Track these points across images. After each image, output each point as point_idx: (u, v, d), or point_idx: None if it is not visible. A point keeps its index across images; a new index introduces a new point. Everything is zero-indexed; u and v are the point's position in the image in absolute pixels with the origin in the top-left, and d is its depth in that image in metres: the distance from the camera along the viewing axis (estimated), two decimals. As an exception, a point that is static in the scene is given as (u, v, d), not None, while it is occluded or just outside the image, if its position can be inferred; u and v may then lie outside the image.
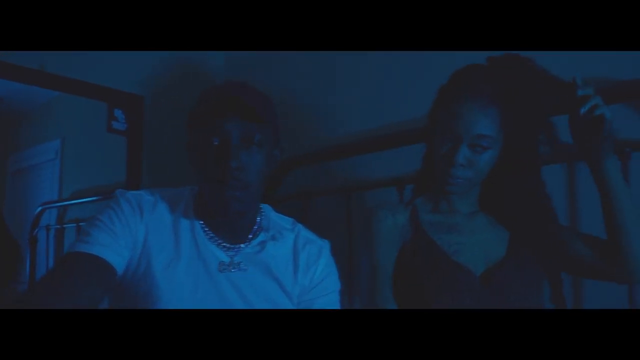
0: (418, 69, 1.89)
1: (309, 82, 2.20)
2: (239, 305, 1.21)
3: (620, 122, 1.49)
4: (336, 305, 1.33)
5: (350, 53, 2.01)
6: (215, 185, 1.17)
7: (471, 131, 1.27)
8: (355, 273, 1.43)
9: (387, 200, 1.47)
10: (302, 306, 1.30)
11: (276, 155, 1.28)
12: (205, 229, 1.25)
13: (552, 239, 1.34)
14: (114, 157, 2.27)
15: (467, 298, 1.25)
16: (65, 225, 2.25)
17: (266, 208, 1.37)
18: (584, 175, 1.55)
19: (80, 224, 2.17)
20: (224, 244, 1.25)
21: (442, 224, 1.37)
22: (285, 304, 1.27)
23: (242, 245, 1.26)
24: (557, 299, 1.37)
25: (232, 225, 1.26)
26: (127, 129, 2.20)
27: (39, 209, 2.28)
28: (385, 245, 1.36)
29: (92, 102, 2.15)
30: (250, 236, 1.29)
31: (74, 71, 2.07)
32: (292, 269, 1.30)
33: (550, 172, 1.55)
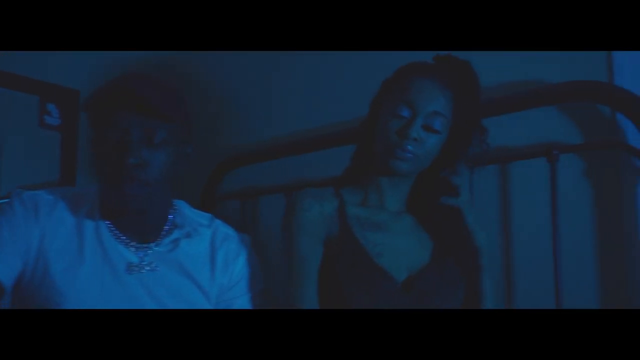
0: (361, 69, 1.88)
1: (250, 80, 2.17)
2: (151, 307, 1.17)
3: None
4: (258, 305, 1.30)
5: (296, 53, 1.98)
6: (113, 184, 1.13)
7: (429, 107, 1.24)
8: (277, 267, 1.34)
9: (313, 187, 1.36)
10: (222, 306, 1.26)
11: (187, 153, 1.24)
12: (112, 229, 1.21)
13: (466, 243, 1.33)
14: (47, 154, 2.19)
15: (387, 304, 1.21)
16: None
17: (180, 204, 1.32)
18: (517, 177, 1.57)
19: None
20: (133, 244, 1.21)
21: (368, 220, 1.32)
22: (201, 303, 1.23)
23: (152, 245, 1.23)
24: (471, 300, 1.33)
25: (139, 224, 1.21)
26: (61, 124, 2.14)
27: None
28: (311, 237, 1.27)
29: (25, 96, 2.08)
30: (162, 234, 1.25)
31: (4, 63, 2.00)
32: (209, 267, 1.26)
33: (484, 173, 1.57)
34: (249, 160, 2.03)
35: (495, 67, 1.61)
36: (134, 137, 1.12)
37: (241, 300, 1.28)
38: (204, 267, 1.25)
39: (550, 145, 1.46)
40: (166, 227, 1.26)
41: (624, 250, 1.42)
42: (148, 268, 1.19)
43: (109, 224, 1.21)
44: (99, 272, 1.16)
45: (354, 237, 1.28)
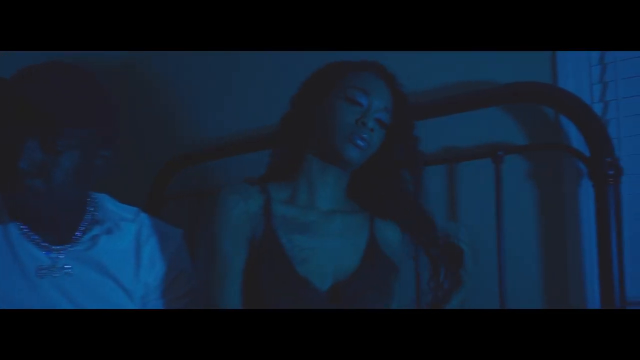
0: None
1: (201, 80, 2.14)
2: (67, 308, 1.13)
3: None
4: (187, 305, 1.25)
5: (246, 53, 1.96)
6: (7, 188, 1.09)
7: (382, 101, 1.24)
8: (199, 268, 1.28)
9: (239, 182, 1.30)
10: (149, 306, 1.22)
11: (104, 156, 1.19)
12: (24, 230, 1.16)
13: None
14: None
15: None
16: None
17: (102, 198, 1.27)
18: (465, 177, 1.58)
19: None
20: (46, 244, 1.17)
21: (295, 220, 1.25)
22: (123, 303, 1.18)
23: (68, 245, 1.18)
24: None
25: (50, 225, 1.17)
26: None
27: None
28: (235, 236, 1.21)
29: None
30: (79, 233, 1.20)
31: None
32: (133, 265, 1.21)
33: (433, 173, 1.58)
34: (198, 159, 2.00)
35: (442, 68, 1.62)
36: (28, 143, 1.08)
37: (166, 300, 1.23)
38: (126, 265, 1.20)
39: (495, 147, 1.48)
40: (83, 225, 1.20)
41: (566, 250, 1.44)
42: (61, 271, 1.15)
43: (20, 224, 1.16)
44: (9, 275, 1.11)
45: (277, 241, 1.22)
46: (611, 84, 1.45)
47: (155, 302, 1.23)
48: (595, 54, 1.47)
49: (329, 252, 1.24)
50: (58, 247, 1.17)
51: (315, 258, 1.22)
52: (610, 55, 1.45)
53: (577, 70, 1.46)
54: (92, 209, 1.23)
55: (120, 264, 1.19)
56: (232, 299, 1.19)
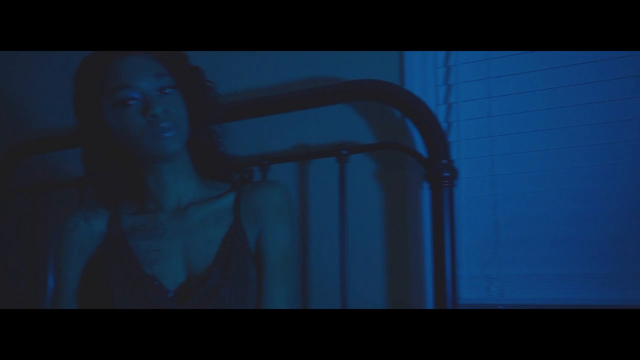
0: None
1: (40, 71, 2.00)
2: None
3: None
4: None
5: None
6: None
7: (150, 80, 1.18)
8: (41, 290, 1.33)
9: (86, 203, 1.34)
10: None
11: None
12: None
13: None
14: None
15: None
16: None
17: None
18: (314, 175, 1.55)
19: None
20: None
21: (143, 227, 1.25)
22: None
23: None
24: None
25: None
26: None
27: None
28: (73, 259, 1.26)
29: None
30: None
31: None
32: None
33: (285, 171, 1.54)
34: (40, 149, 1.86)
35: (292, 67, 1.59)
36: None
37: None
38: None
39: (340, 145, 1.46)
40: None
41: (408, 251, 1.44)
42: None
43: None
44: None
45: (125, 246, 1.23)
46: (454, 86, 1.46)
47: None
48: (440, 57, 1.48)
49: (179, 251, 1.22)
50: None
51: (164, 259, 1.20)
52: (454, 58, 1.46)
53: (423, 71, 1.47)
54: None
55: None
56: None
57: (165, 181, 1.25)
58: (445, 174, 1.30)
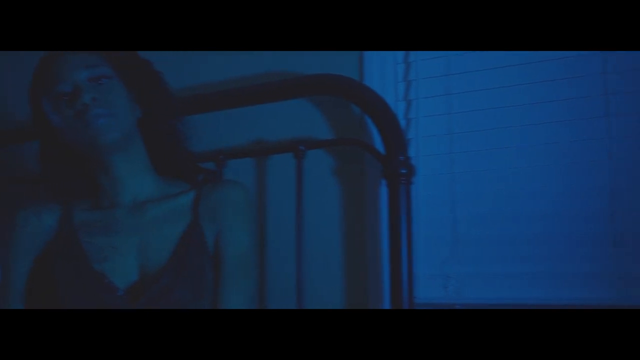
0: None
1: None
2: None
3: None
4: None
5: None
6: None
7: (79, 71, 1.17)
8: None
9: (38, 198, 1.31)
10: None
11: None
12: None
13: None
14: None
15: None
16: None
17: None
18: (272, 171, 1.52)
19: None
20: None
21: (97, 224, 1.22)
22: None
23: None
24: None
25: None
26: None
27: None
28: (21, 255, 1.24)
29: None
30: None
31: None
32: None
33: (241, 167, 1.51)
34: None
35: (251, 66, 1.56)
36: None
37: None
38: None
39: (297, 141, 1.43)
40: None
41: (366, 250, 1.42)
42: None
43: None
44: None
45: (76, 243, 1.20)
46: (414, 83, 1.45)
47: None
48: (400, 53, 1.46)
49: (133, 248, 1.18)
50: None
51: (117, 256, 1.17)
52: (414, 54, 1.44)
53: (383, 67, 1.45)
54: None
55: None
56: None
57: (116, 176, 1.22)
58: (402, 171, 1.28)
